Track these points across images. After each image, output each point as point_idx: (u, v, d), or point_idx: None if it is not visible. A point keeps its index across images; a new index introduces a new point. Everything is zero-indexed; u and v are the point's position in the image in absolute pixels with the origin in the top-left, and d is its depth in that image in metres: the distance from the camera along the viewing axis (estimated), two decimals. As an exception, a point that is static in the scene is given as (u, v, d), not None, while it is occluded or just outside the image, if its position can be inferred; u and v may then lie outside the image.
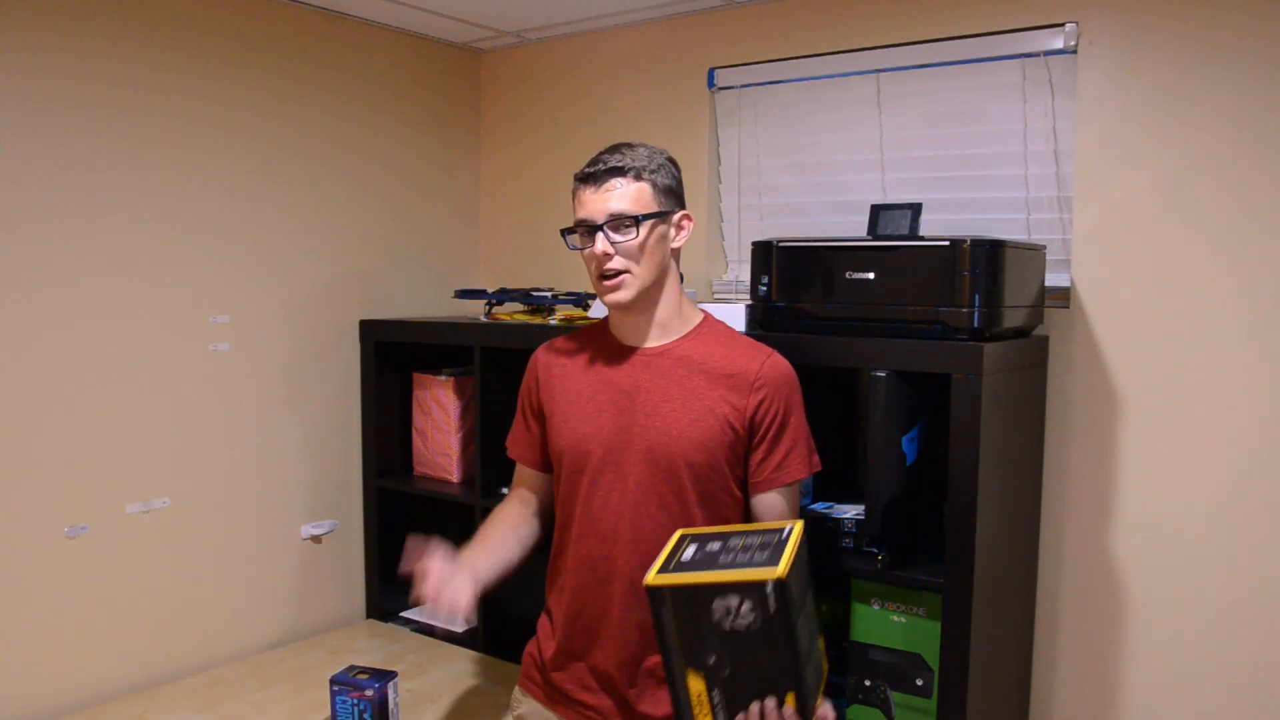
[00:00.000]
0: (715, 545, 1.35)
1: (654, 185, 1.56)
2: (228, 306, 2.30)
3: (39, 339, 1.98)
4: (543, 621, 1.72)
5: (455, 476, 2.52)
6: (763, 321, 1.93)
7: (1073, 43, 1.94)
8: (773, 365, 1.61)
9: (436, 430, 2.55)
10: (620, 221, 1.53)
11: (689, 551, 1.33)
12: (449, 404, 2.51)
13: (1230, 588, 1.84)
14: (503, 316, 2.43)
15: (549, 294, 2.38)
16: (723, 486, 1.59)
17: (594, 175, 1.55)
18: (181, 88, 2.18)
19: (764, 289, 1.91)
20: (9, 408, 1.94)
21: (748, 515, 1.64)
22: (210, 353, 2.27)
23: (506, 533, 1.69)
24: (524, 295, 2.40)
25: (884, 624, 1.86)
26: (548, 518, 1.75)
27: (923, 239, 1.78)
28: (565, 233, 1.62)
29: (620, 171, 1.54)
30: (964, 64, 2.08)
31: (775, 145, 2.37)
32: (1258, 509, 1.81)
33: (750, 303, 1.98)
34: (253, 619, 2.39)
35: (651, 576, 1.27)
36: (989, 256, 1.68)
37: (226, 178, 2.28)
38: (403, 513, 2.61)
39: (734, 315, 2.01)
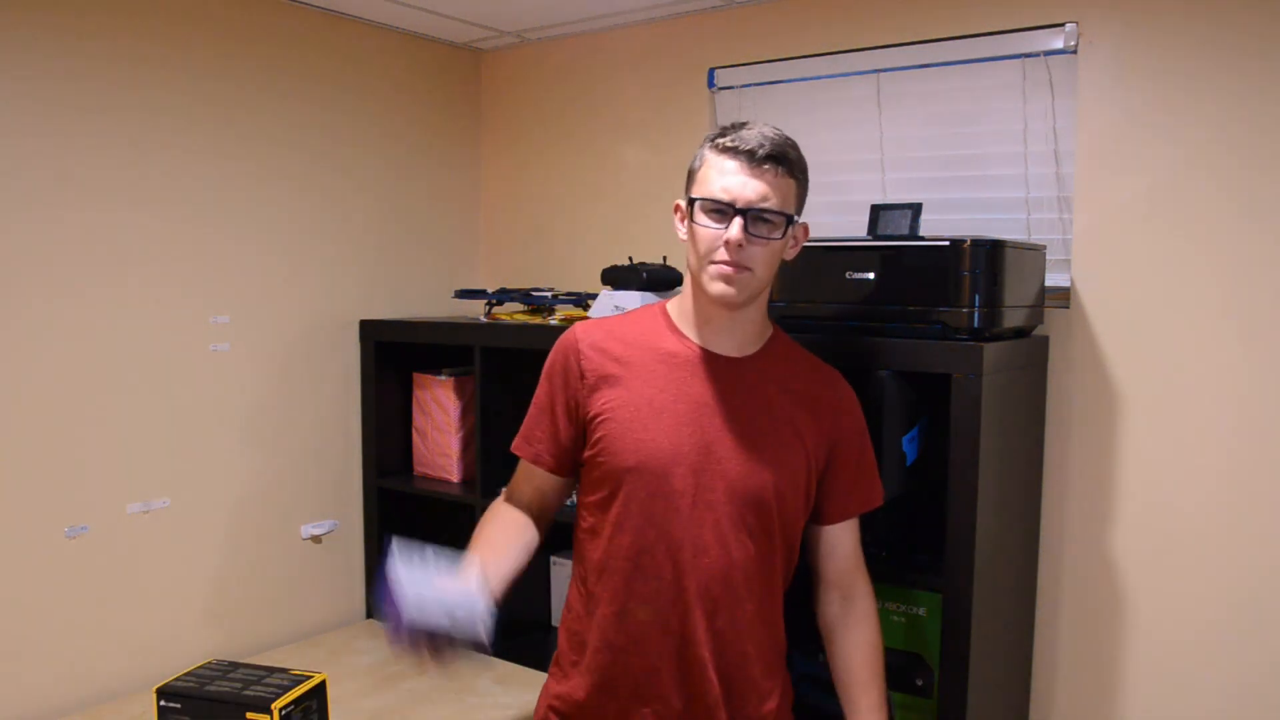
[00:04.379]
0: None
1: (800, 187, 1.40)
2: (228, 306, 2.30)
3: (39, 339, 1.98)
4: (575, 673, 1.48)
5: (455, 476, 2.52)
6: (763, 321, 1.93)
7: (1073, 43, 1.94)
8: (849, 388, 1.52)
9: (436, 430, 2.55)
10: (769, 217, 1.35)
11: None
12: (449, 404, 2.51)
13: (1230, 588, 1.84)
14: (503, 316, 2.44)
15: (549, 294, 2.38)
16: (800, 517, 1.49)
17: (752, 153, 1.33)
18: (181, 88, 2.18)
19: (764, 289, 1.90)
20: (9, 408, 1.94)
21: (814, 546, 1.55)
22: (210, 353, 2.27)
23: (513, 539, 1.49)
24: (524, 295, 2.40)
25: (884, 624, 1.85)
26: (546, 529, 1.57)
27: (923, 239, 1.78)
28: (692, 202, 1.39)
29: (781, 160, 1.35)
30: (964, 64, 2.08)
31: (775, 145, 2.36)
32: (1258, 509, 1.81)
33: (750, 303, 1.97)
34: (253, 619, 2.39)
35: None
36: (989, 256, 1.68)
37: (226, 177, 2.28)
38: (403, 513, 2.61)
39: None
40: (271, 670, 1.85)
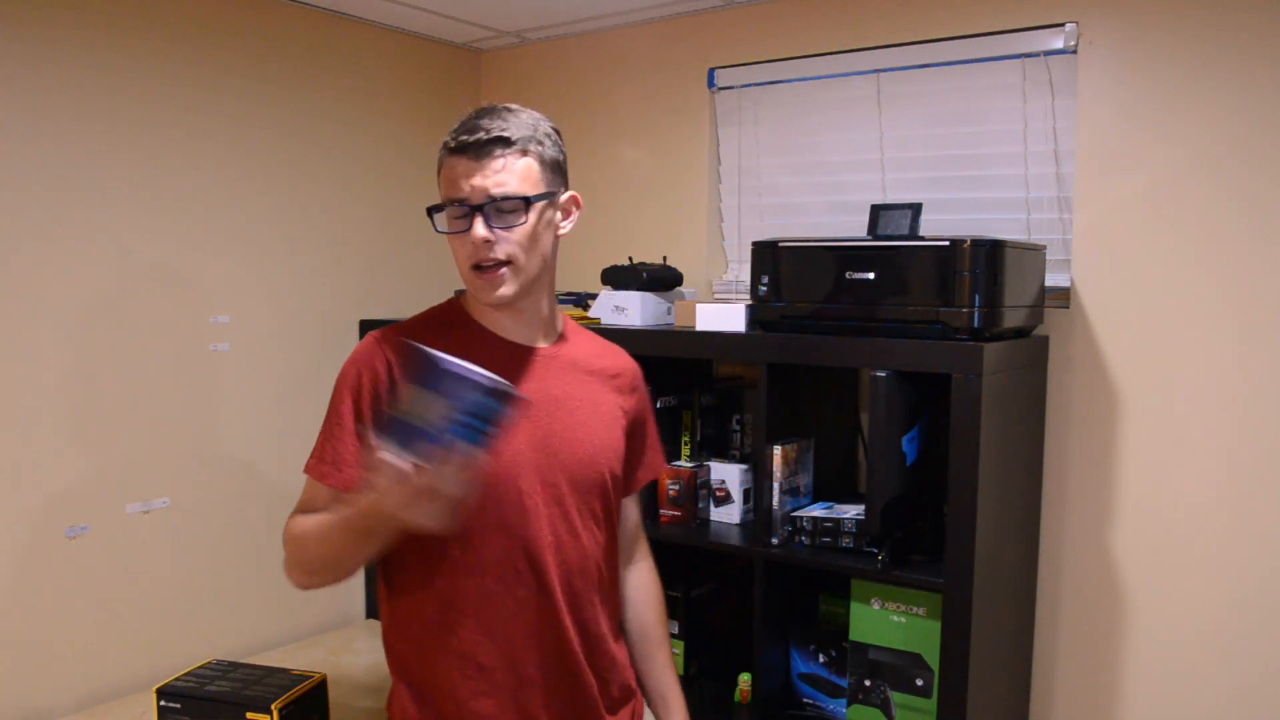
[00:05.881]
0: None
1: (541, 160, 1.29)
2: (228, 306, 2.30)
3: (39, 339, 1.98)
4: (437, 707, 1.33)
5: (455, 476, 2.51)
6: (763, 321, 1.93)
7: (1073, 43, 1.94)
8: (635, 363, 1.49)
9: (436, 430, 2.55)
10: (506, 204, 1.26)
11: None
12: (449, 404, 2.51)
13: (1230, 587, 1.84)
14: (503, 316, 2.43)
15: (549, 294, 2.37)
16: (621, 492, 1.46)
17: (472, 146, 1.26)
18: (181, 88, 2.18)
19: (764, 289, 1.91)
20: (9, 408, 1.94)
21: None
22: (210, 353, 2.27)
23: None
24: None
25: (884, 624, 1.86)
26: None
27: (923, 239, 1.78)
28: (432, 211, 1.32)
29: (505, 143, 1.26)
30: (964, 64, 2.08)
31: (775, 145, 2.37)
32: (1257, 508, 1.81)
33: (750, 303, 1.98)
34: (253, 619, 2.39)
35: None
36: (989, 256, 1.68)
37: (227, 178, 2.28)
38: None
39: (734, 315, 2.01)
40: (271, 670, 1.85)
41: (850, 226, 2.20)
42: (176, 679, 1.80)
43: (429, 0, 2.36)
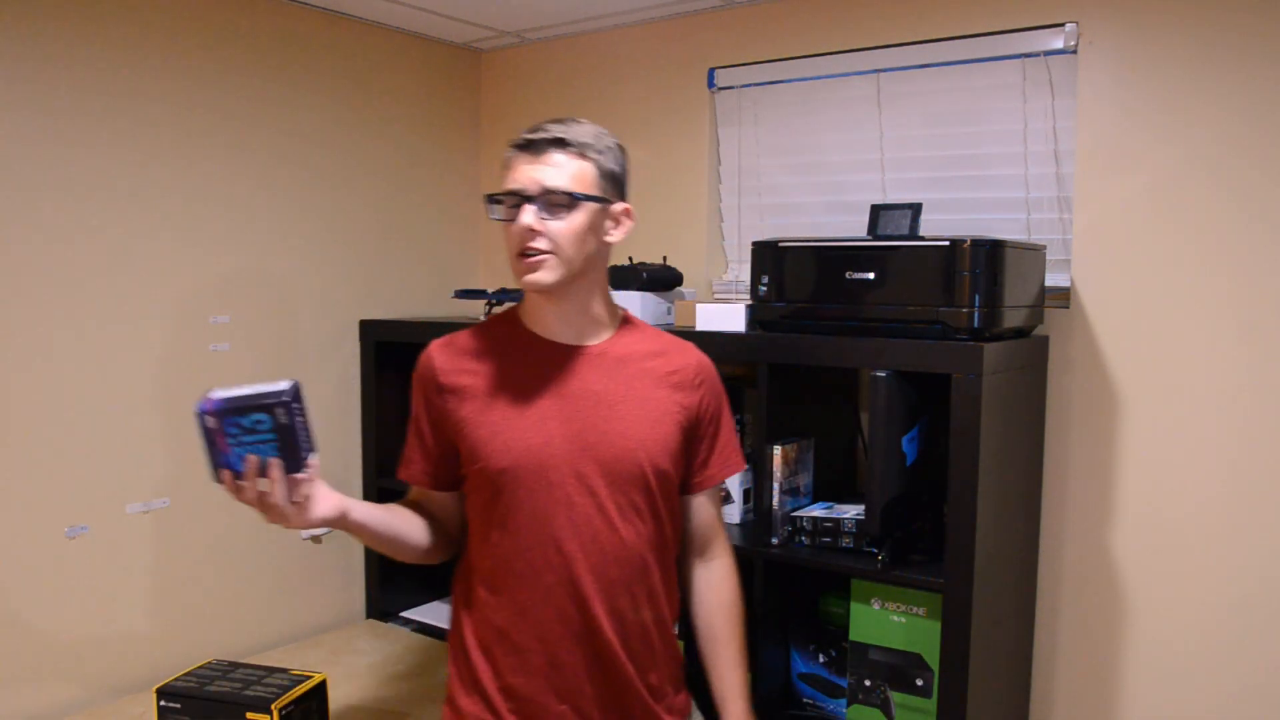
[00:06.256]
0: None
1: (598, 167, 1.41)
2: (228, 306, 2.30)
3: (40, 339, 1.98)
4: (475, 672, 1.46)
5: (455, 476, 2.52)
6: (763, 322, 1.93)
7: (1073, 43, 1.94)
8: (705, 360, 1.56)
9: (436, 430, 2.55)
10: (555, 199, 1.37)
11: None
12: (449, 404, 2.51)
13: (1230, 588, 1.84)
14: (503, 316, 2.43)
15: (549, 294, 2.38)
16: (675, 489, 1.52)
17: (533, 144, 1.39)
18: (181, 88, 2.18)
19: (764, 289, 1.91)
20: (9, 408, 1.94)
21: (680, 512, 1.57)
22: (210, 353, 2.27)
23: (412, 516, 1.50)
24: (524, 295, 2.40)
25: (884, 624, 1.86)
26: (450, 544, 1.56)
27: (923, 239, 1.78)
28: (490, 200, 1.43)
29: (563, 144, 1.38)
30: (964, 64, 2.08)
31: (775, 145, 2.37)
32: (1258, 508, 1.81)
33: (750, 303, 1.98)
34: (253, 619, 2.39)
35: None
36: (989, 256, 1.68)
37: (226, 177, 2.28)
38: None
39: (734, 315, 2.01)
40: (271, 670, 1.86)
41: (850, 226, 2.20)
42: (176, 679, 1.81)
43: (429, 0, 2.36)
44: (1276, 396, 1.78)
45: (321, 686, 1.83)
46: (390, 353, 2.59)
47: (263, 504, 1.30)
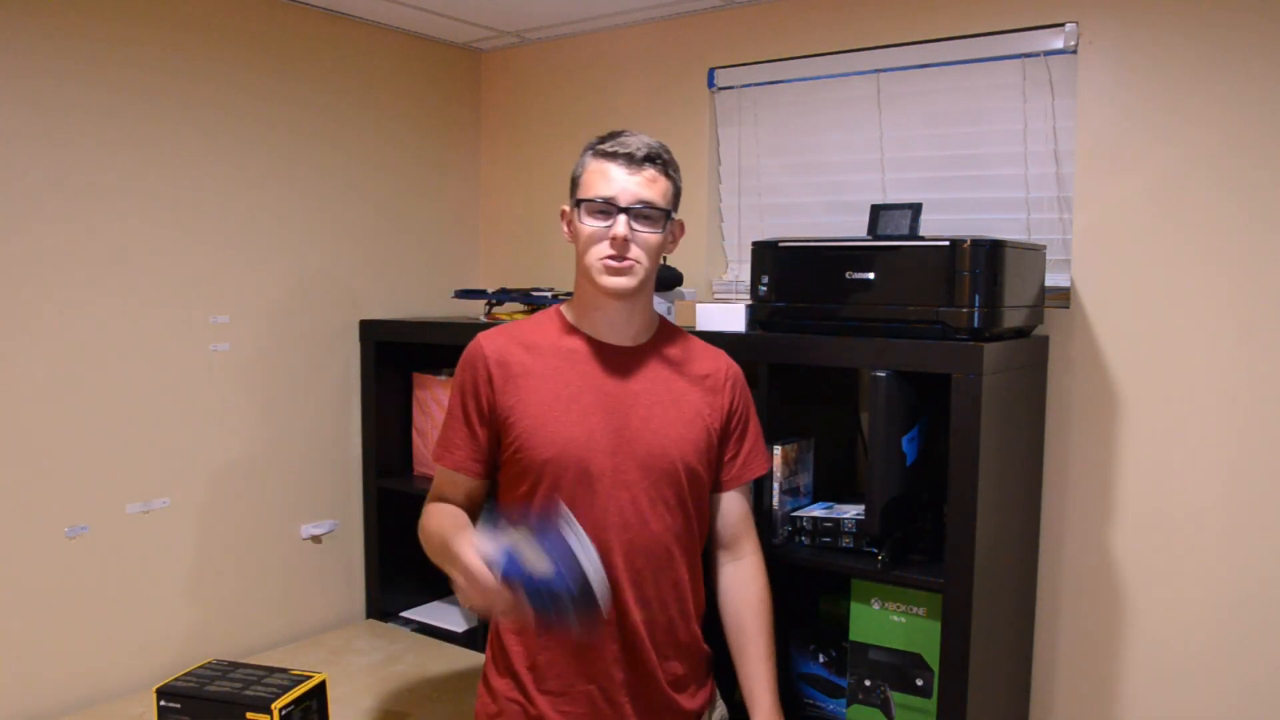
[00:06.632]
0: None
1: (674, 185, 1.54)
2: (228, 306, 2.30)
3: (39, 339, 1.98)
4: (508, 654, 1.55)
5: (455, 476, 2.52)
6: (763, 321, 1.93)
7: (1073, 43, 1.94)
8: (735, 365, 1.65)
9: (436, 430, 2.55)
10: (649, 212, 1.48)
11: None
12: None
13: (1230, 588, 1.84)
14: (502, 316, 2.44)
15: (549, 294, 2.38)
16: (706, 486, 1.60)
17: (630, 156, 1.48)
18: (181, 87, 2.18)
19: (764, 289, 1.91)
20: (9, 408, 1.94)
21: (710, 510, 1.64)
22: (210, 353, 2.27)
23: (462, 513, 1.56)
24: (524, 295, 2.40)
25: (884, 624, 1.86)
26: None
27: (923, 239, 1.78)
28: (580, 203, 1.50)
29: (656, 161, 1.50)
30: (964, 64, 2.08)
31: (775, 145, 2.37)
32: (1258, 508, 1.81)
33: (750, 303, 1.98)
34: (253, 619, 2.39)
35: None
36: (989, 256, 1.68)
37: (226, 177, 2.28)
38: (402, 513, 2.60)
39: (734, 315, 2.01)
40: (271, 670, 1.86)
41: (850, 226, 2.20)
42: (176, 679, 1.80)
43: (429, 0, 2.36)
44: (1276, 396, 1.78)
45: (321, 686, 1.83)
46: (390, 353, 2.59)
47: (481, 598, 1.32)
